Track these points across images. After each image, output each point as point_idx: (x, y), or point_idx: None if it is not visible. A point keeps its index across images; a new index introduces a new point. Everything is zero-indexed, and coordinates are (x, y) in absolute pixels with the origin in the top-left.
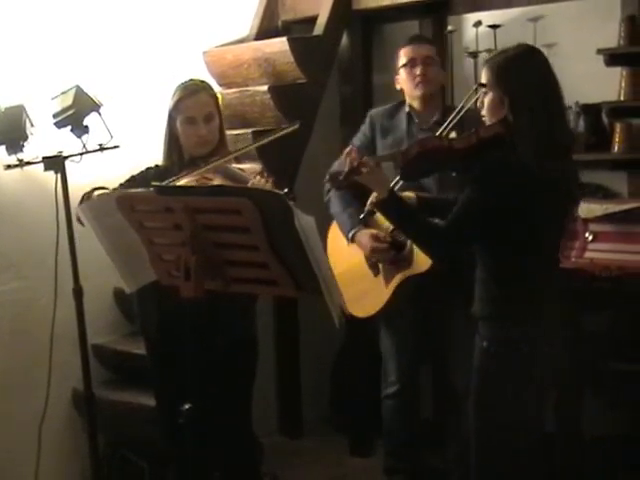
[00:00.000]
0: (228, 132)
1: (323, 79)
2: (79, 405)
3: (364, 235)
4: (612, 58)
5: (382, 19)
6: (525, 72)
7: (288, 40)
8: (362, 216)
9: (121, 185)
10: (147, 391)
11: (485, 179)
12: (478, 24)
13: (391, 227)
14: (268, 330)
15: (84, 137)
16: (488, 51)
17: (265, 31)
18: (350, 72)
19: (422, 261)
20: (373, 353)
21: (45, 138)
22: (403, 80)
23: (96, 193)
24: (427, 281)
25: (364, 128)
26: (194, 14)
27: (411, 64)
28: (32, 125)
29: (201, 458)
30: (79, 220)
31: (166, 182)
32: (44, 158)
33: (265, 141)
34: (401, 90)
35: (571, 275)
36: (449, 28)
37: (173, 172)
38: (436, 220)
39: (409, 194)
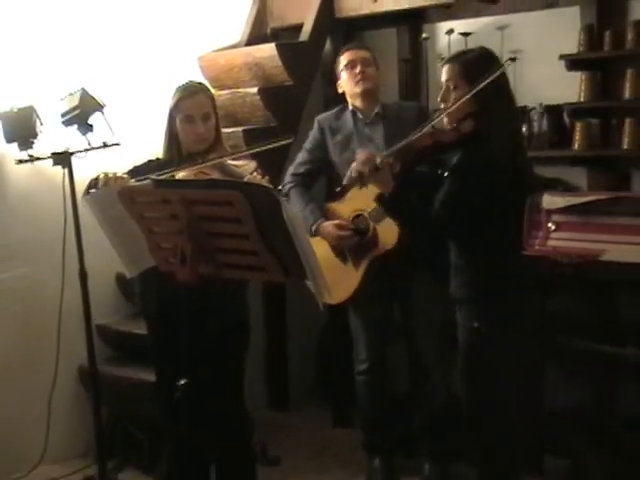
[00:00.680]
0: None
1: (308, 81)
2: (84, 380)
3: (328, 226)
4: (573, 63)
5: (362, 27)
6: (492, 71)
7: (276, 46)
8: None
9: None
10: (147, 368)
11: (471, 172)
12: (450, 32)
13: (352, 216)
14: (257, 312)
15: (89, 135)
16: None
17: (255, 38)
18: (333, 75)
19: (387, 239)
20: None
21: (53, 136)
22: (345, 81)
23: (101, 176)
24: (393, 260)
25: (314, 132)
26: (190, 22)
27: (351, 65)
28: (41, 124)
29: (196, 431)
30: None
31: (166, 174)
32: (52, 154)
33: (261, 148)
34: (343, 93)
35: (535, 261)
36: (424, 35)
37: (172, 166)
38: None
39: None
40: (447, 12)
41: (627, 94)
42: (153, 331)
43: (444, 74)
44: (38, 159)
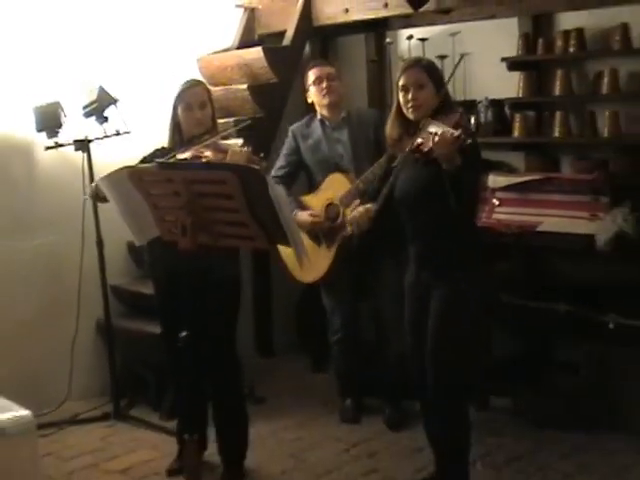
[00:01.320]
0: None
1: (290, 79)
2: (101, 332)
3: (303, 215)
4: (512, 65)
5: (336, 33)
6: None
7: (263, 49)
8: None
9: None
10: (154, 321)
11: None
12: (410, 37)
13: (325, 204)
14: (246, 274)
15: (105, 125)
16: None
17: (245, 42)
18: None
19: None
20: None
21: (75, 126)
22: (313, 94)
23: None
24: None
25: (289, 140)
26: (190, 30)
27: (318, 81)
28: (65, 116)
29: (195, 374)
30: (93, 194)
31: (169, 155)
32: (74, 141)
33: (231, 130)
34: (312, 103)
35: (483, 232)
36: (387, 40)
37: (175, 151)
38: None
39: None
40: (407, 21)
41: (557, 91)
42: (159, 291)
43: (410, 77)
44: (62, 145)
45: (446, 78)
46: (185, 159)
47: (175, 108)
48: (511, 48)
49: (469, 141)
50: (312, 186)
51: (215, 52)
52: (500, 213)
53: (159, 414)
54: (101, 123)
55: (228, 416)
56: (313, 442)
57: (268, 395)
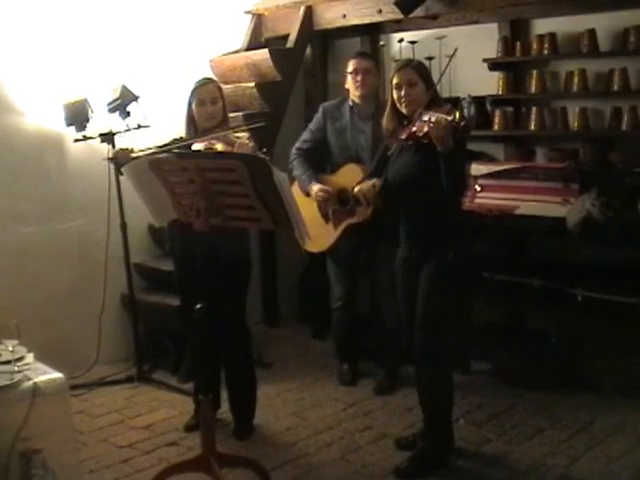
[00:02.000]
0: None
1: (293, 78)
2: (125, 304)
3: (315, 187)
4: (493, 65)
5: (335, 36)
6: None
7: (269, 51)
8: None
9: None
10: (173, 295)
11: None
12: (401, 41)
13: (340, 188)
14: (255, 253)
15: (127, 119)
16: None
17: (253, 45)
18: (312, 73)
19: (360, 214)
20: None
21: (101, 120)
22: (349, 83)
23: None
24: (363, 228)
25: (318, 116)
26: (203, 34)
27: (355, 73)
28: (92, 111)
29: (209, 342)
30: (111, 159)
31: (184, 145)
32: (100, 134)
33: (244, 127)
34: (347, 89)
35: (466, 215)
36: (381, 43)
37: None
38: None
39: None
40: (399, 25)
41: (533, 89)
42: (177, 267)
43: (402, 76)
44: (90, 138)
45: (437, 77)
46: (199, 150)
47: (190, 104)
48: (492, 50)
49: (463, 123)
50: (331, 164)
51: (226, 54)
52: (482, 198)
53: (177, 377)
54: (124, 118)
55: (239, 379)
56: (314, 402)
57: (274, 360)
